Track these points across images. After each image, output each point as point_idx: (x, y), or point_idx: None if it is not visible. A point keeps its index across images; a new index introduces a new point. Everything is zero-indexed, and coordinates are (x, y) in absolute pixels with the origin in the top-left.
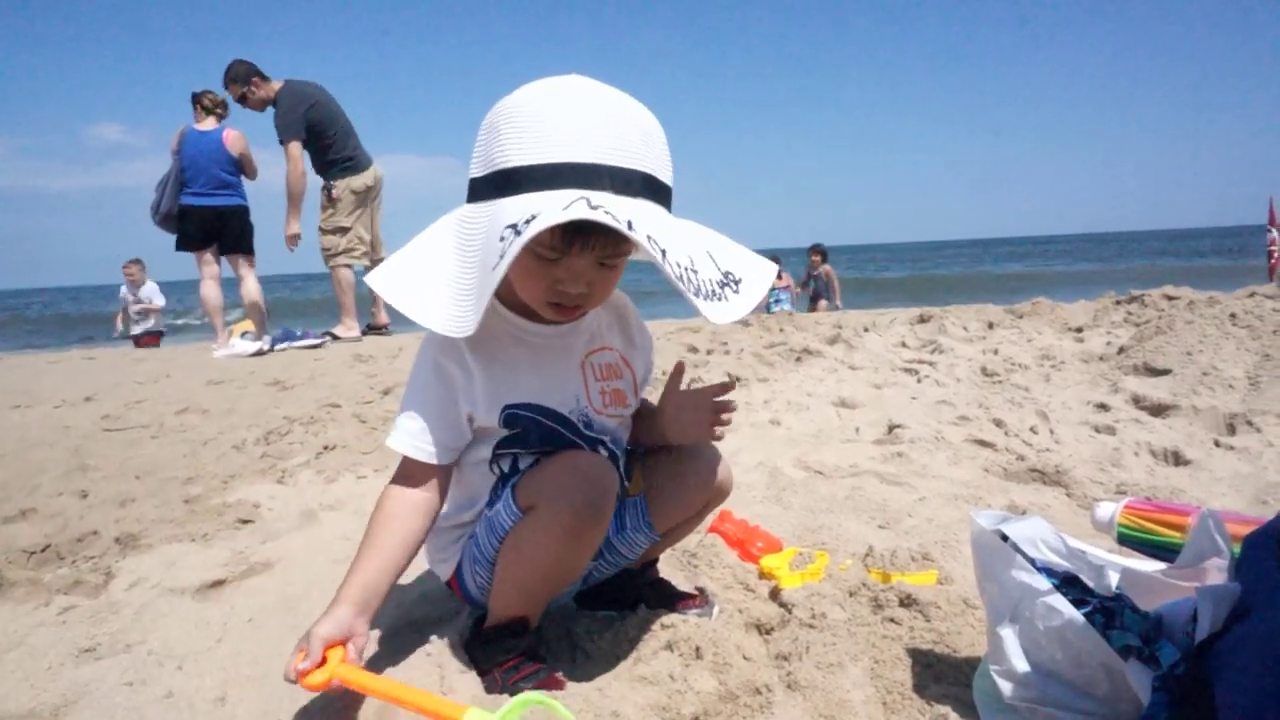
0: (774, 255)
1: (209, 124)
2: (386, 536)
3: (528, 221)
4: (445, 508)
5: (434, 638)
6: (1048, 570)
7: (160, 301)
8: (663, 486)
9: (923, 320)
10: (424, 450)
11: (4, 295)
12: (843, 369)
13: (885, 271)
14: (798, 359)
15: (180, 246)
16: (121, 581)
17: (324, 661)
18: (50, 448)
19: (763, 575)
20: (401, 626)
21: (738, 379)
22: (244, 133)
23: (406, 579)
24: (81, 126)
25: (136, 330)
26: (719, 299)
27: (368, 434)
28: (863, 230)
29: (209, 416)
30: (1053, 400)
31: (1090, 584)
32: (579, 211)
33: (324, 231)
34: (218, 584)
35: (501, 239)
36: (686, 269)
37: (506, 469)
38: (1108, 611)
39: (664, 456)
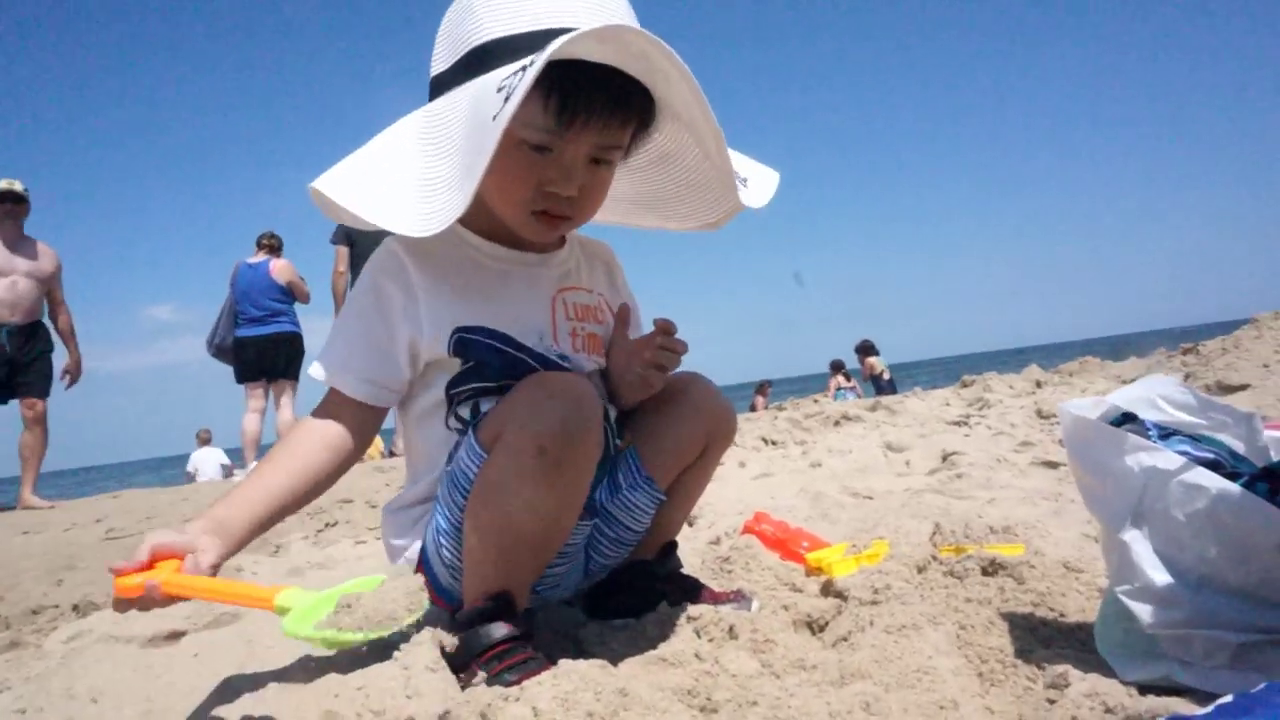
0: (838, 361)
1: (259, 257)
2: (277, 463)
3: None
4: (404, 483)
5: (404, 644)
6: (1175, 434)
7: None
8: (651, 430)
9: (965, 385)
10: (345, 380)
11: (66, 474)
12: (886, 426)
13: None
14: (836, 424)
15: (240, 379)
16: (61, 634)
17: (149, 568)
18: (44, 556)
19: (811, 571)
20: (381, 648)
21: (773, 442)
22: (292, 263)
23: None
24: (137, 308)
25: None
26: (742, 184)
27: (374, 513)
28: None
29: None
30: None
31: (1238, 446)
32: (610, 29)
33: None
34: (174, 636)
35: (500, 89)
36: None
37: (467, 416)
38: (1273, 475)
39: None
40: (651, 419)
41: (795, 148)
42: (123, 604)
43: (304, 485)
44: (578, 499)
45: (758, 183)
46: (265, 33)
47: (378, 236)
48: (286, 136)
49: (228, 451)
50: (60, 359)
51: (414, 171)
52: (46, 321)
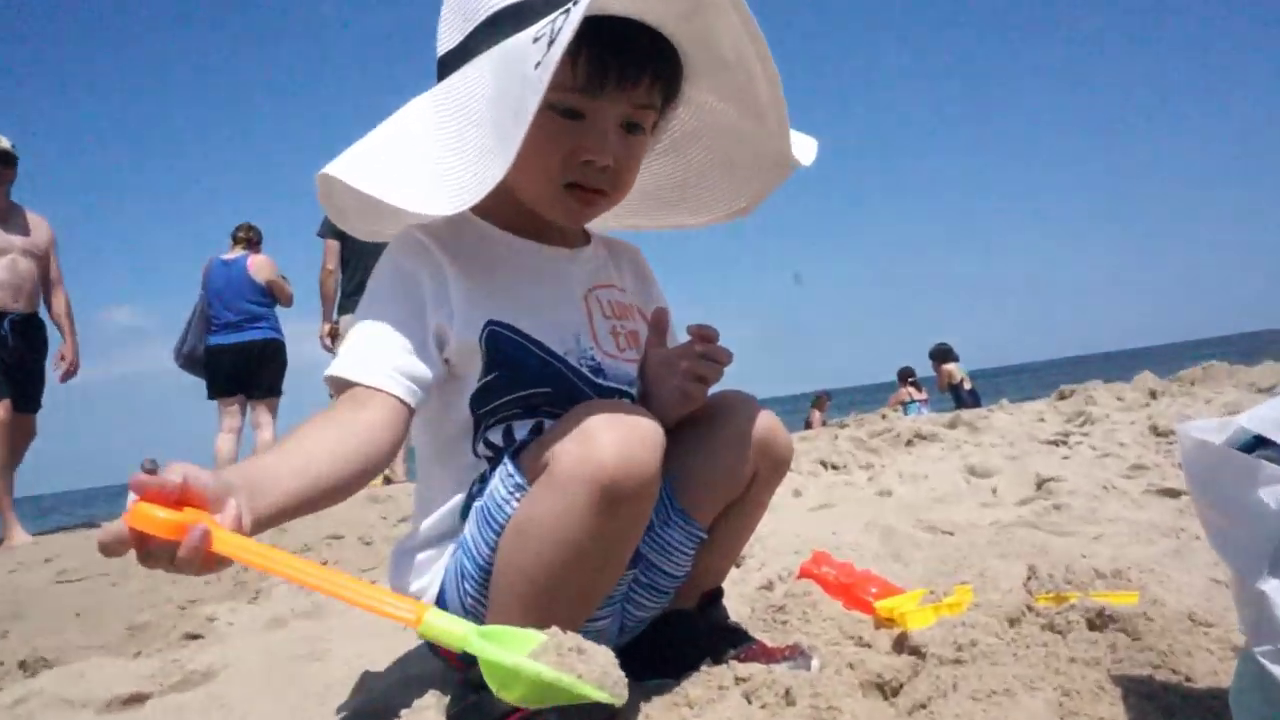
0: (907, 369)
1: (235, 253)
2: (313, 435)
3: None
4: (414, 514)
5: (404, 711)
6: None
7: None
8: (686, 457)
9: (1063, 397)
10: (372, 373)
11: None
12: (967, 446)
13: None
14: (908, 444)
15: (213, 393)
16: (5, 697)
17: (178, 509)
18: None
19: (881, 623)
20: (372, 715)
21: (834, 466)
22: (273, 259)
23: (381, 662)
24: (93, 310)
25: None
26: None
27: (371, 552)
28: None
29: None
30: None
31: None
32: None
33: None
34: (136, 699)
35: (538, 39)
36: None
37: (499, 441)
38: None
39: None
40: (689, 445)
41: (845, 125)
42: (122, 545)
43: (345, 468)
44: (630, 545)
45: (798, 145)
46: (230, 17)
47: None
48: (263, 124)
49: None
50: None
51: (436, 148)
52: (43, 314)
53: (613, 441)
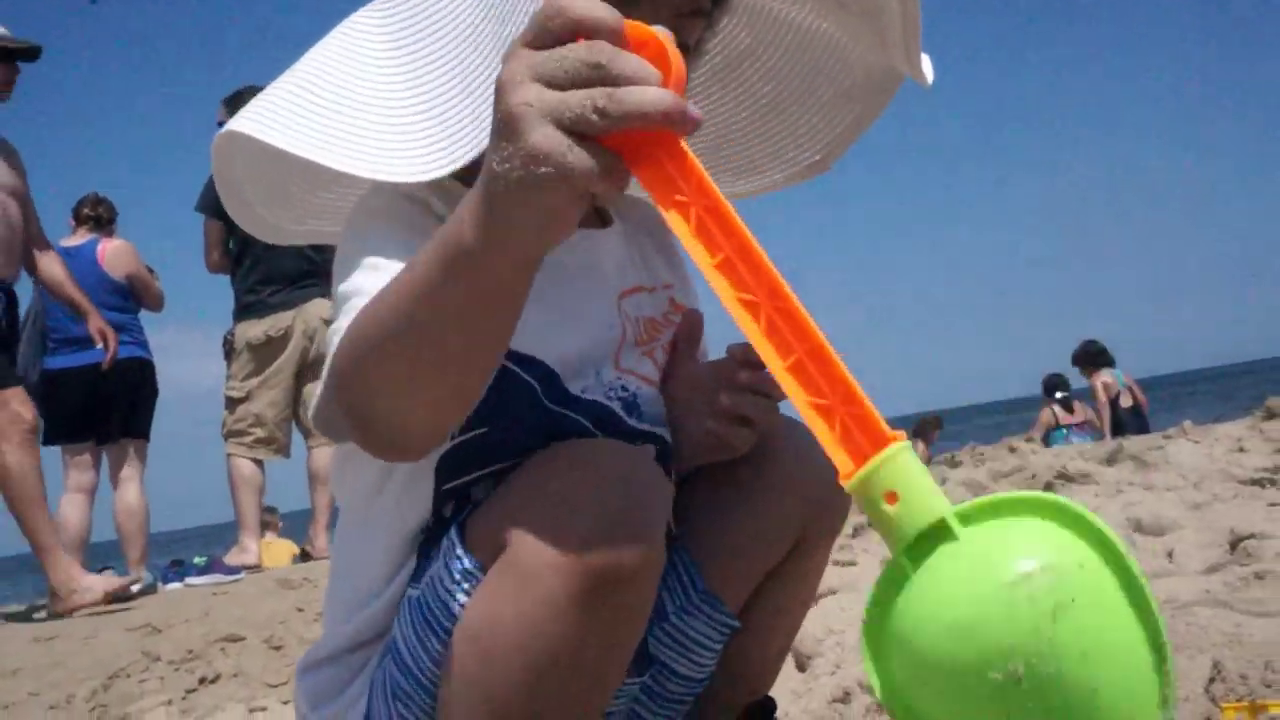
0: (1056, 379)
1: (80, 237)
2: None
3: None
4: (327, 607)
5: None
6: None
7: None
8: (715, 516)
9: (1272, 415)
10: None
11: None
12: (1133, 490)
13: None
14: (1048, 488)
15: (52, 437)
16: None
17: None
18: None
19: None
20: None
21: None
22: (133, 246)
23: None
24: None
25: None
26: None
27: (281, 660)
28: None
29: (19, 678)
30: None
31: None
32: None
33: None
34: None
35: None
36: None
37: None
38: None
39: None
40: (716, 496)
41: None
42: (607, 32)
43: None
44: (628, 649)
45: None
46: None
47: None
48: (110, 50)
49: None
50: None
51: (396, 82)
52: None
53: (597, 505)
